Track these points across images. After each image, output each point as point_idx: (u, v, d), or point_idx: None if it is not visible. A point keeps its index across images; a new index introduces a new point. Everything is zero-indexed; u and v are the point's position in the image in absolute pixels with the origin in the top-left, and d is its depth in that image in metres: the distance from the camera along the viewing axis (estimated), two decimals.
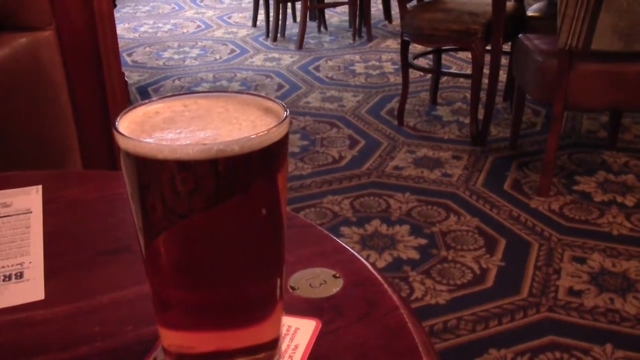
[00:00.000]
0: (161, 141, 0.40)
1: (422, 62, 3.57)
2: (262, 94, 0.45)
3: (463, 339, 1.65)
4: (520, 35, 2.52)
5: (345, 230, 2.12)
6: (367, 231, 2.13)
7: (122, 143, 0.39)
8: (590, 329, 1.67)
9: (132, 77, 3.70)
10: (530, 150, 2.69)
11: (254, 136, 0.39)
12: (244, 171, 0.40)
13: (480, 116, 2.77)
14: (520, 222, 2.16)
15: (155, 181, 0.40)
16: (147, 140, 0.40)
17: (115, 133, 0.40)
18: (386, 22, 4.83)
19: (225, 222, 0.41)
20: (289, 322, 0.52)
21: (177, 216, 0.40)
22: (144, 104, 0.44)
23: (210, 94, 0.46)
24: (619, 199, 2.29)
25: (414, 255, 2.00)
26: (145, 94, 3.44)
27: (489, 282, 1.86)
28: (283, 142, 0.41)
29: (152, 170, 0.39)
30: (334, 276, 0.59)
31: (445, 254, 2.00)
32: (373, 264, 0.62)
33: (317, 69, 3.79)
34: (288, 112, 0.42)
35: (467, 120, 2.94)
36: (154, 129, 0.42)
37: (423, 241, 2.07)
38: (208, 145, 0.38)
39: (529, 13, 2.84)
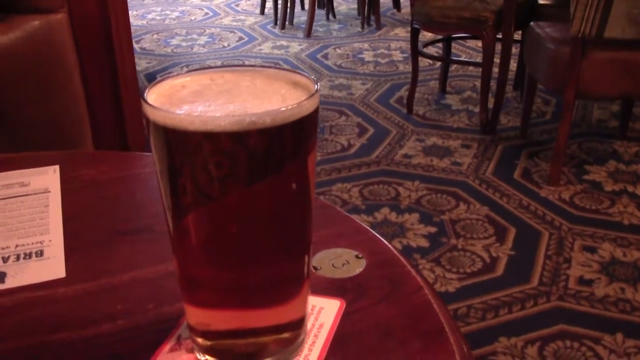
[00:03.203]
0: (192, 113, 0.39)
1: (432, 50, 3.55)
2: (290, 68, 0.45)
3: (473, 326, 1.64)
4: (531, 23, 2.50)
5: (354, 217, 2.11)
6: (377, 219, 2.12)
7: (152, 115, 0.39)
8: (601, 318, 1.66)
9: (140, 64, 3.69)
10: (540, 139, 2.68)
11: (284, 108, 0.38)
12: (276, 146, 0.39)
13: (490, 105, 2.75)
14: (531, 211, 2.15)
15: (186, 155, 0.39)
16: (178, 112, 0.39)
17: (145, 104, 0.39)
18: (395, 11, 4.81)
19: (258, 201, 0.40)
20: (313, 302, 0.51)
21: (208, 194, 0.40)
22: (170, 77, 0.44)
23: (237, 67, 0.45)
24: (630, 188, 2.28)
25: (424, 243, 1.99)
26: (153, 81, 3.43)
27: (499, 270, 1.86)
28: (314, 116, 0.41)
29: (183, 143, 0.38)
30: (357, 256, 0.58)
31: (455, 242, 1.99)
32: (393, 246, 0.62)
33: (325, 57, 3.78)
34: (318, 86, 0.41)
35: (476, 109, 2.93)
36: (182, 102, 0.41)
37: (433, 229, 2.06)
38: (240, 116, 0.37)
39: (541, 0, 2.82)
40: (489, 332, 1.62)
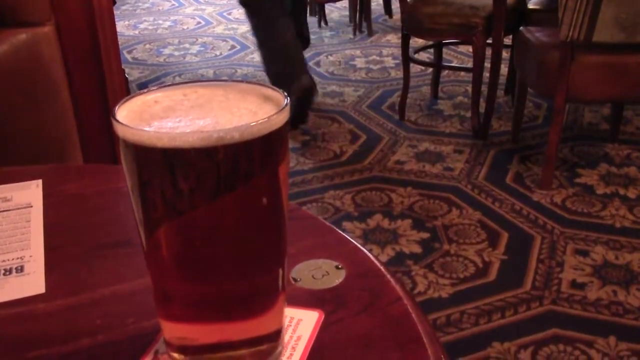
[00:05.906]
0: (160, 129, 0.39)
1: (423, 56, 3.56)
2: (262, 82, 0.45)
3: (466, 332, 1.64)
4: (521, 28, 2.51)
5: (347, 225, 2.12)
6: (370, 226, 2.12)
7: (121, 132, 0.39)
8: (594, 321, 1.67)
9: (133, 74, 3.69)
10: (532, 143, 2.68)
11: (253, 123, 0.39)
12: (244, 160, 0.39)
13: (482, 110, 2.76)
14: (523, 215, 2.15)
15: (155, 171, 0.39)
16: (146, 128, 0.39)
17: (114, 122, 0.39)
18: (386, 17, 4.82)
19: (227, 214, 0.40)
20: (291, 314, 0.51)
21: (178, 208, 0.40)
22: (142, 93, 0.44)
23: (210, 82, 0.45)
24: (622, 191, 2.29)
25: (417, 249, 1.99)
26: None
27: (492, 275, 1.86)
28: (283, 130, 0.41)
29: (152, 160, 0.39)
30: (337, 267, 0.58)
31: (447, 247, 1.99)
32: (375, 256, 0.62)
33: (317, 64, 3.79)
34: (288, 100, 0.42)
35: (468, 114, 2.93)
36: (153, 118, 0.41)
37: (425, 235, 2.06)
38: (208, 132, 0.37)
39: (530, 5, 2.83)
40: (482, 337, 1.62)
